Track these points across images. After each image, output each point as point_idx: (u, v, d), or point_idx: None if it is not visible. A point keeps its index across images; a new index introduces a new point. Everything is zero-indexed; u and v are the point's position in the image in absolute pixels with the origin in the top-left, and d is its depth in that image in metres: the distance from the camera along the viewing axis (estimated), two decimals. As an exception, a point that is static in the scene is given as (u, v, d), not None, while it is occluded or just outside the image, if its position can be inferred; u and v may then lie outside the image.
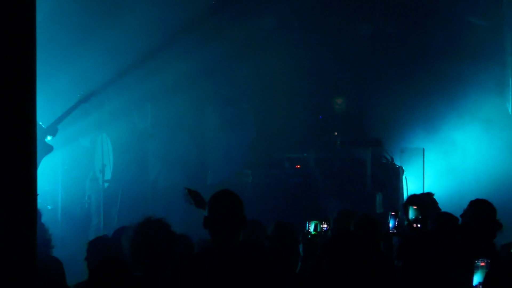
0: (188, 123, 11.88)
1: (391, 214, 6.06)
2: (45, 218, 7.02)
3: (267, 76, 12.09)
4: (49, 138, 9.64)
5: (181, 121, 11.76)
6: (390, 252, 5.67)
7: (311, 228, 5.82)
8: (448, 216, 6.14)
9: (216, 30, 11.55)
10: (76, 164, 10.85)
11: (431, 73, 12.22)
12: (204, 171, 11.84)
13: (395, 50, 12.48)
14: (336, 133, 11.43)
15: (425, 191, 10.78)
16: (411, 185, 10.95)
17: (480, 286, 4.63)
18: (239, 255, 4.36)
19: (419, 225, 5.63)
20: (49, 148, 9.58)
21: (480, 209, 6.13)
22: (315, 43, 12.18)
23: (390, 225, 6.01)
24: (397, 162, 11.18)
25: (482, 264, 4.68)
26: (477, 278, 4.67)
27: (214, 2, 11.75)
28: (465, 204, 6.61)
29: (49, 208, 10.46)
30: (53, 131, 9.67)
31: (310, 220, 5.91)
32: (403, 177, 10.94)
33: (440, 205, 7.12)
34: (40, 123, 9.40)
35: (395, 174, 10.95)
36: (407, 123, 12.21)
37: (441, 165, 12.07)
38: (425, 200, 6.79)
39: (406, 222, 6.31)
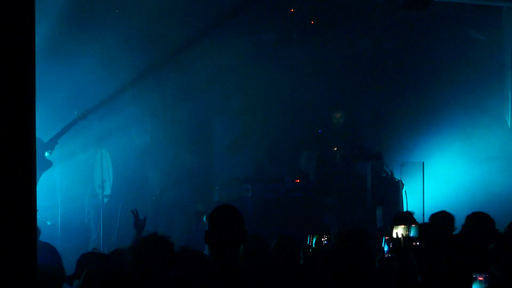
0: (193, 138, 11.85)
1: (385, 239, 5.96)
2: (44, 234, 7.00)
3: (268, 90, 12.09)
4: (47, 153, 9.56)
5: (185, 136, 11.73)
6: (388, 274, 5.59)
7: (313, 242, 5.78)
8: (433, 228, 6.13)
9: (218, 43, 11.56)
10: (76, 179, 10.83)
11: (430, 87, 12.23)
12: (211, 187, 11.78)
13: (395, 64, 12.50)
14: (335, 148, 11.42)
15: (425, 205, 10.84)
16: (411, 199, 10.93)
17: None
18: (238, 269, 4.35)
19: (418, 243, 5.57)
20: (48, 164, 9.51)
21: (479, 222, 6.12)
22: (315, 58, 12.19)
23: (385, 249, 5.91)
24: (397, 176, 11.17)
25: (480, 278, 4.63)
26: None
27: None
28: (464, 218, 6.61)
29: (49, 223, 10.43)
30: (52, 146, 9.59)
31: (312, 234, 5.88)
32: (403, 191, 10.93)
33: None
34: (40, 137, 9.33)
35: (395, 188, 10.94)
36: (406, 136, 12.21)
37: (441, 178, 12.05)
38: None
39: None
